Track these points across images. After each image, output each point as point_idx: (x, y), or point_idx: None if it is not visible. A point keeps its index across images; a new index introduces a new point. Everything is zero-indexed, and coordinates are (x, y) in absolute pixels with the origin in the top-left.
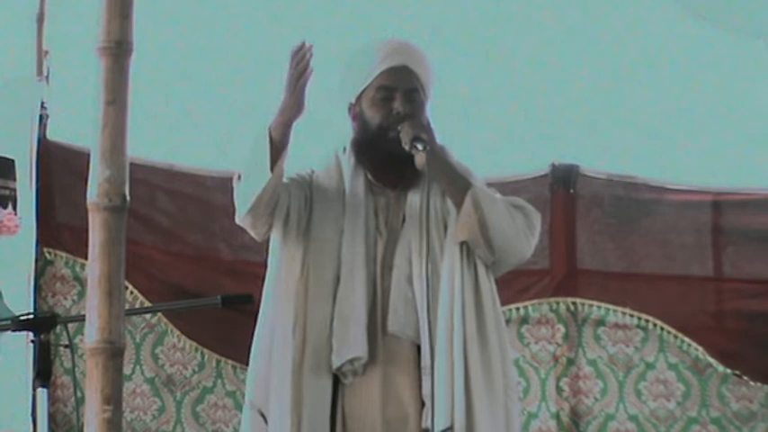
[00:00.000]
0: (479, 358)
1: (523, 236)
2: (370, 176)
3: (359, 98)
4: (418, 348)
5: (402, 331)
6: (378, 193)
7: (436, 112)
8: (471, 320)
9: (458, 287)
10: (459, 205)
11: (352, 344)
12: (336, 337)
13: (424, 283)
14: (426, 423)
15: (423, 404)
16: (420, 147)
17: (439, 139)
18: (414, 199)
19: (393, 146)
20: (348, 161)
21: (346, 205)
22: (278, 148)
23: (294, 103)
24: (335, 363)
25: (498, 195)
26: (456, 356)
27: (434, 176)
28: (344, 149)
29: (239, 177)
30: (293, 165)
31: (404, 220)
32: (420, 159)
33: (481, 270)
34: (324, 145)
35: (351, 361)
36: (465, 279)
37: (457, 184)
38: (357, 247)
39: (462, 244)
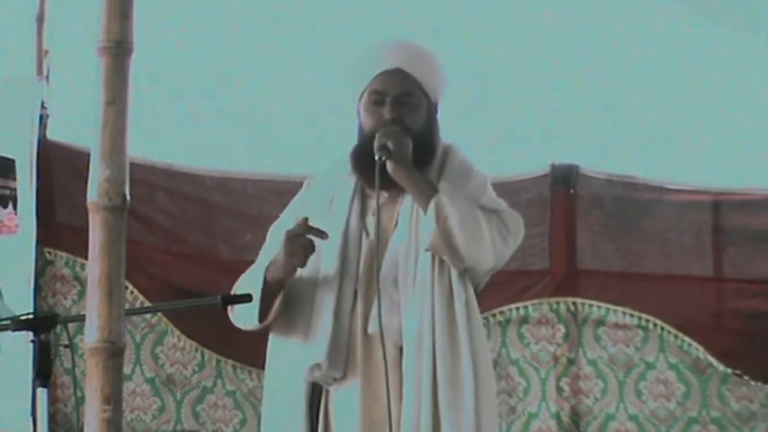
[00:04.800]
0: (449, 364)
1: (492, 243)
2: (361, 180)
3: (359, 101)
4: (401, 350)
5: (383, 332)
6: (369, 196)
7: None
8: (442, 328)
9: (427, 295)
10: (426, 212)
11: (313, 352)
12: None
13: (410, 285)
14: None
15: None
16: (377, 156)
17: (442, 138)
18: (407, 201)
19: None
20: (347, 164)
21: (331, 208)
22: (272, 292)
23: (282, 267)
24: (305, 372)
25: (488, 196)
26: (424, 363)
27: (402, 184)
28: None
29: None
30: (298, 161)
31: (398, 222)
32: (389, 167)
33: (455, 277)
34: (324, 143)
35: (315, 368)
36: (436, 287)
37: (422, 191)
38: (332, 247)
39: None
